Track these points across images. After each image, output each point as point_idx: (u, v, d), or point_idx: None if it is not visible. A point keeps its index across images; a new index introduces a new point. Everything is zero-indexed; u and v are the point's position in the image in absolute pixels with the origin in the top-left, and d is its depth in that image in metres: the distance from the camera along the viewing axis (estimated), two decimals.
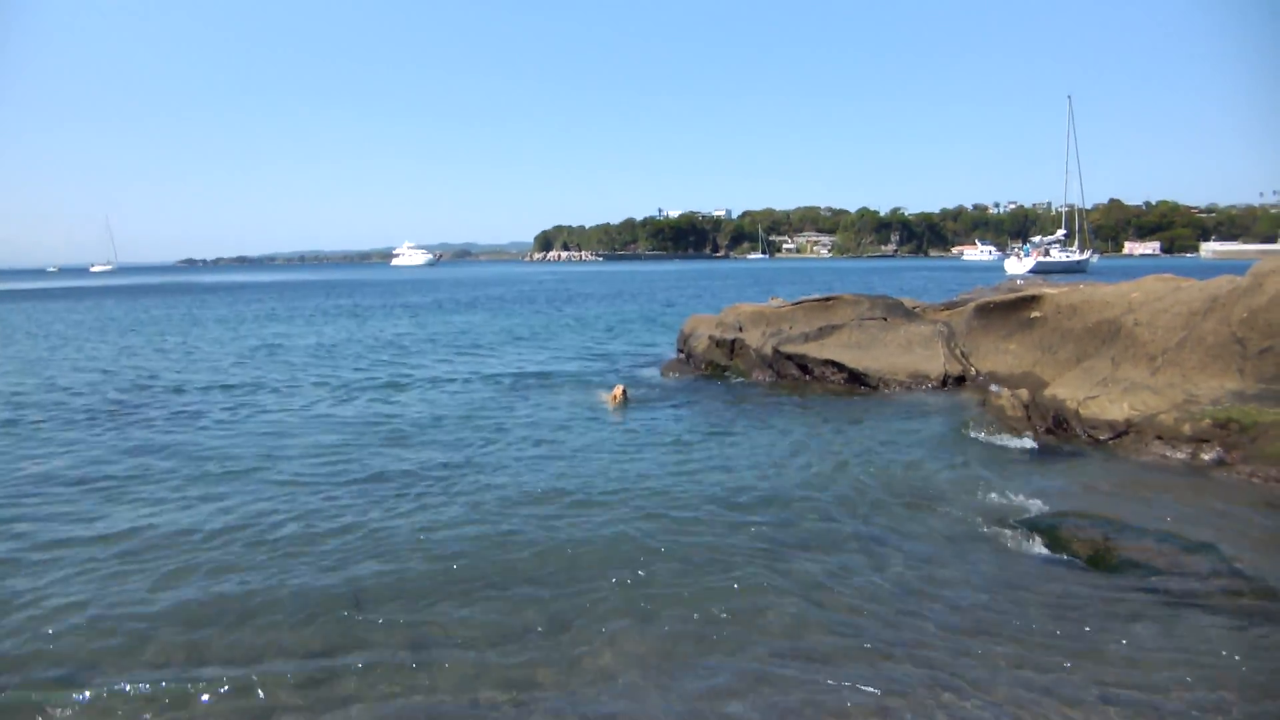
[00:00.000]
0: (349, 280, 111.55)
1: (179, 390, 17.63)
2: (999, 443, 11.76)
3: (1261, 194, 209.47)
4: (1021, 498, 9.22)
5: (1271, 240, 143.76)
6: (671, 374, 18.65)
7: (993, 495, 9.32)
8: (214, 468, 10.96)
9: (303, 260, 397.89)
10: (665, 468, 10.65)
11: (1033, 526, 8.30)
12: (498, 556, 7.60)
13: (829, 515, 8.73)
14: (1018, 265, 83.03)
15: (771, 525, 8.42)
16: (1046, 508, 8.86)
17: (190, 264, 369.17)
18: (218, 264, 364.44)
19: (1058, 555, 7.57)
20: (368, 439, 12.62)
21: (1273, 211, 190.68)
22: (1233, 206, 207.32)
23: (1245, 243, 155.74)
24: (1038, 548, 7.75)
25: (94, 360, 23.54)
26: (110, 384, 18.73)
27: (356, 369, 21.05)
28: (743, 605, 6.55)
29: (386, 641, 6.03)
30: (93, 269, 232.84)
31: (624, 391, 15.19)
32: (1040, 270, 74.18)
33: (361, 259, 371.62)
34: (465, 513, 8.88)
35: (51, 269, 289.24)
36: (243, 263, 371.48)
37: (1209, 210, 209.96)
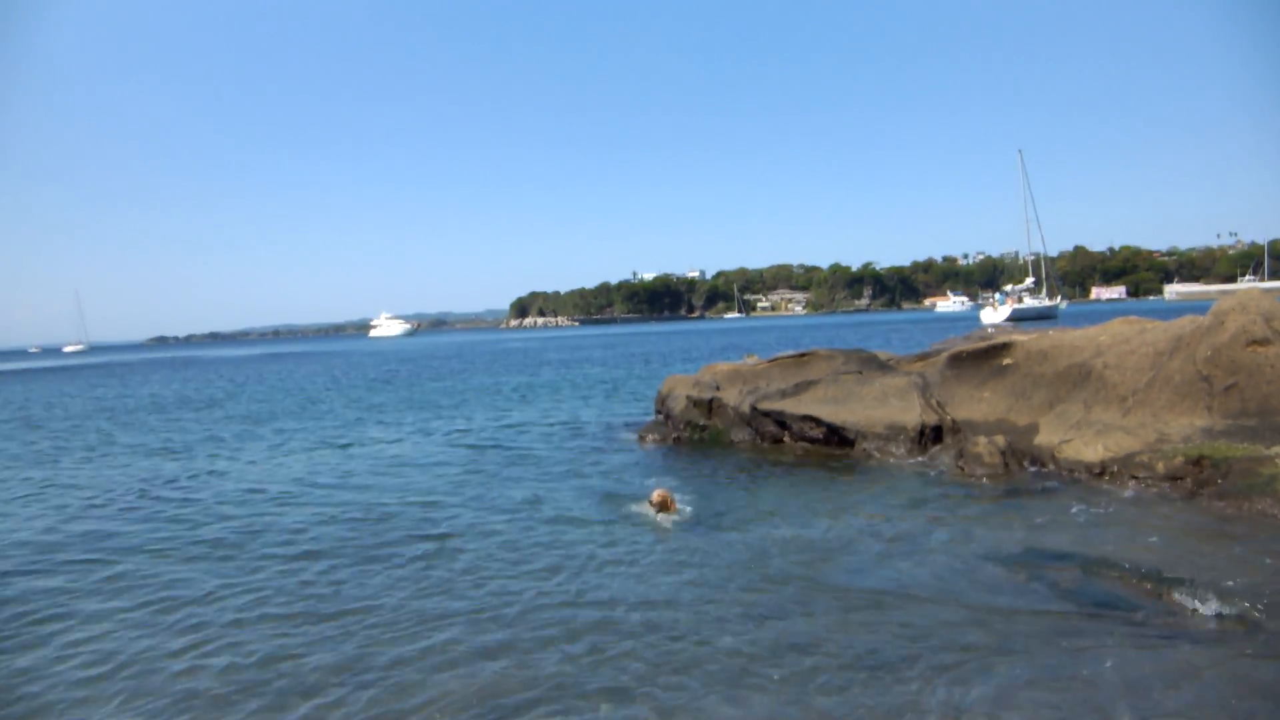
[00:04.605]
0: (336, 351, 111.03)
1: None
2: (977, 488, 11.84)
3: (1219, 235, 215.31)
4: (1002, 537, 9.28)
5: (1232, 280, 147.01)
6: (650, 437, 18.64)
7: (976, 539, 9.37)
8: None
9: (277, 334, 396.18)
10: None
11: (1014, 563, 8.36)
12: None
13: (829, 569, 8.75)
14: (993, 314, 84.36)
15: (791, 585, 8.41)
16: (1027, 546, 8.92)
17: (161, 341, 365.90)
18: (189, 340, 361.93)
19: (1040, 590, 7.60)
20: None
21: (1231, 252, 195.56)
22: (1193, 249, 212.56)
23: (1207, 283, 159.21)
24: (1020, 583, 7.78)
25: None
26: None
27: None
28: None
29: None
30: (65, 349, 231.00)
31: (666, 498, 11.62)
32: (1015, 317, 75.53)
33: (336, 331, 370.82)
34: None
35: (33, 349, 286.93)
36: (215, 339, 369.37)
37: (1170, 253, 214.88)
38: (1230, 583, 7.52)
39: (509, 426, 22.36)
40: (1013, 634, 6.80)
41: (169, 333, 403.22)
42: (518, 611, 7.96)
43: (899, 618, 7.29)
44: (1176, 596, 7.26)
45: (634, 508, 11.89)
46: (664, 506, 11.47)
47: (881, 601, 7.70)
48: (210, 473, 16.89)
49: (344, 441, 20.76)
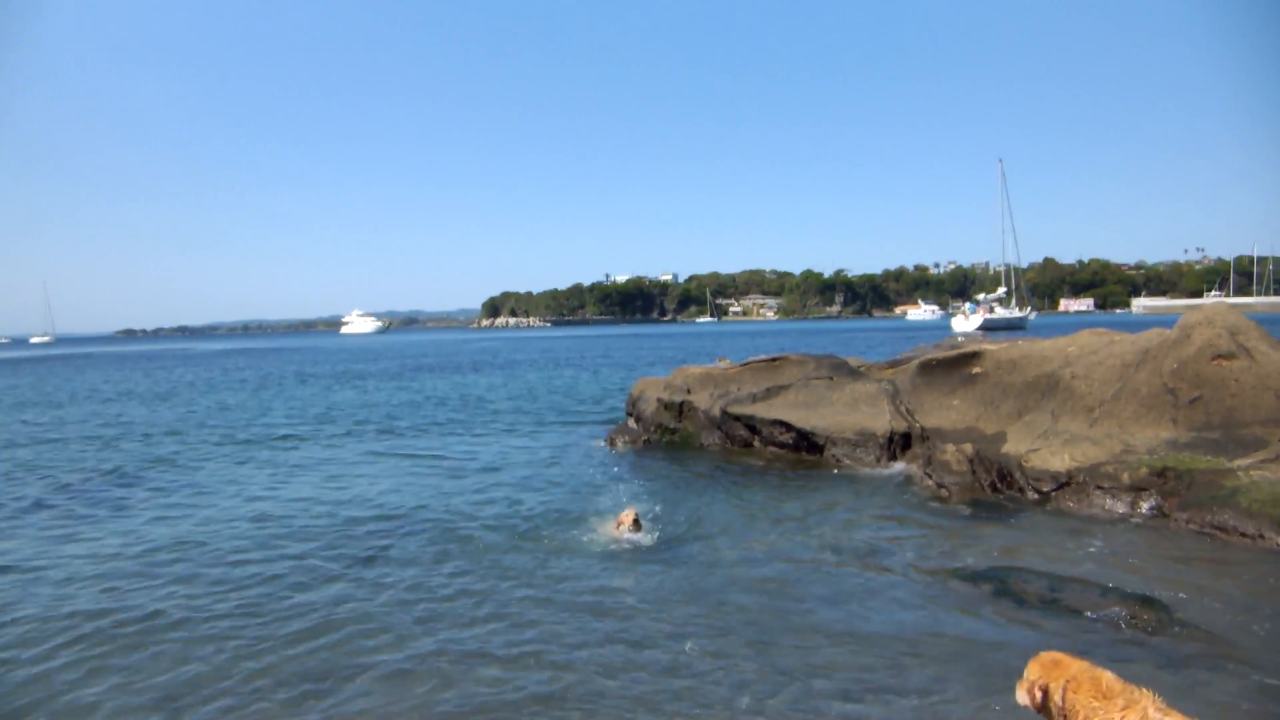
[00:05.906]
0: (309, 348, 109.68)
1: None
2: (944, 499, 11.85)
3: (1186, 250, 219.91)
4: (968, 553, 9.26)
5: (1198, 295, 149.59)
6: (620, 440, 18.50)
7: (940, 551, 9.34)
8: None
9: (246, 330, 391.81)
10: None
11: (979, 580, 8.32)
12: None
13: (792, 590, 8.68)
14: (965, 323, 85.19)
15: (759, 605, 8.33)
16: (992, 562, 8.89)
17: (129, 334, 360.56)
18: (157, 334, 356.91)
19: (1005, 607, 7.57)
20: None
21: (1197, 268, 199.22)
22: (1160, 264, 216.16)
23: (1173, 298, 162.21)
24: (985, 601, 7.75)
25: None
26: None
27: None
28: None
29: None
30: (32, 340, 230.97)
31: (636, 519, 10.92)
32: (986, 327, 76.41)
33: (307, 327, 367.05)
34: None
35: (3, 339, 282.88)
36: (184, 333, 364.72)
37: (1138, 267, 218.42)
38: (1195, 602, 7.53)
39: (473, 428, 22.17)
40: (978, 664, 6.71)
41: (137, 326, 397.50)
42: (451, 646, 7.28)
43: (859, 649, 6.95)
44: (1142, 616, 7.25)
45: (595, 523, 11.37)
46: (631, 525, 10.76)
47: (841, 631, 7.31)
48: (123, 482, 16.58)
49: (293, 446, 20.37)
